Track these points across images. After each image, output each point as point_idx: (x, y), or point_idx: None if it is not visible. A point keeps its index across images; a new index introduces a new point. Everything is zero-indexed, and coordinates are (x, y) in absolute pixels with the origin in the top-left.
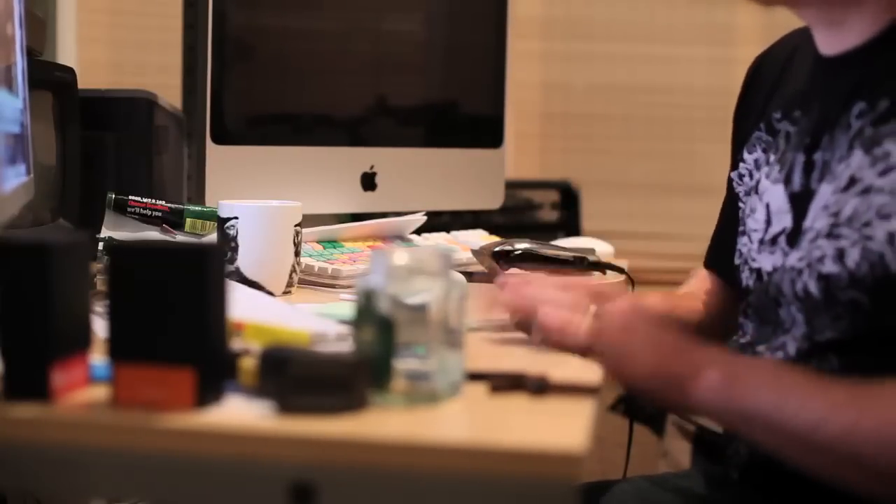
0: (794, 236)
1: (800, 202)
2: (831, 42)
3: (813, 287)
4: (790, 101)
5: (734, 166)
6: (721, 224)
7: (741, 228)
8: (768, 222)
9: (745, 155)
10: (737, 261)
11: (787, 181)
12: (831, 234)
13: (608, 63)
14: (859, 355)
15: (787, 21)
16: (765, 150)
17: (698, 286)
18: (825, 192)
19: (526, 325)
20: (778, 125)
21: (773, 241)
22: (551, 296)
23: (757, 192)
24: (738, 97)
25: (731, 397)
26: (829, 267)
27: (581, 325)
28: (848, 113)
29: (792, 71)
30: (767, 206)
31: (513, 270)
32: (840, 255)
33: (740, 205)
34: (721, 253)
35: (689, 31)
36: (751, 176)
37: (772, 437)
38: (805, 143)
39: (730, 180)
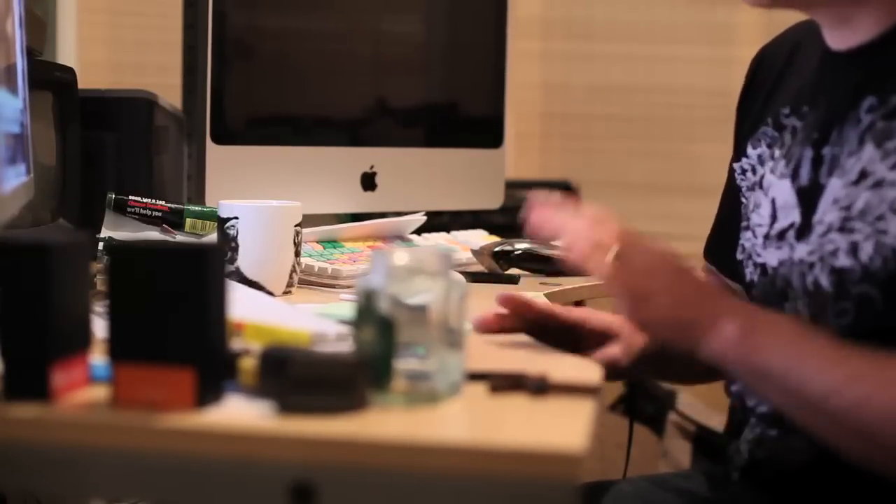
0: (803, 231)
1: (808, 196)
2: (840, 38)
3: (824, 281)
4: (798, 96)
5: (737, 158)
6: (721, 215)
7: (744, 224)
8: (774, 217)
9: (749, 150)
10: (739, 256)
11: (795, 176)
12: (844, 228)
13: (608, 63)
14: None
15: (787, 21)
16: (769, 146)
17: None
18: (835, 186)
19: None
20: (785, 121)
21: (781, 236)
22: (579, 228)
23: (761, 188)
24: (741, 89)
25: (747, 352)
26: (843, 261)
27: (603, 261)
28: (857, 108)
29: (797, 64)
30: (773, 201)
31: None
32: (854, 249)
33: (742, 199)
34: (721, 246)
35: (689, 31)
36: (754, 171)
37: (783, 398)
38: (813, 137)
39: (731, 171)
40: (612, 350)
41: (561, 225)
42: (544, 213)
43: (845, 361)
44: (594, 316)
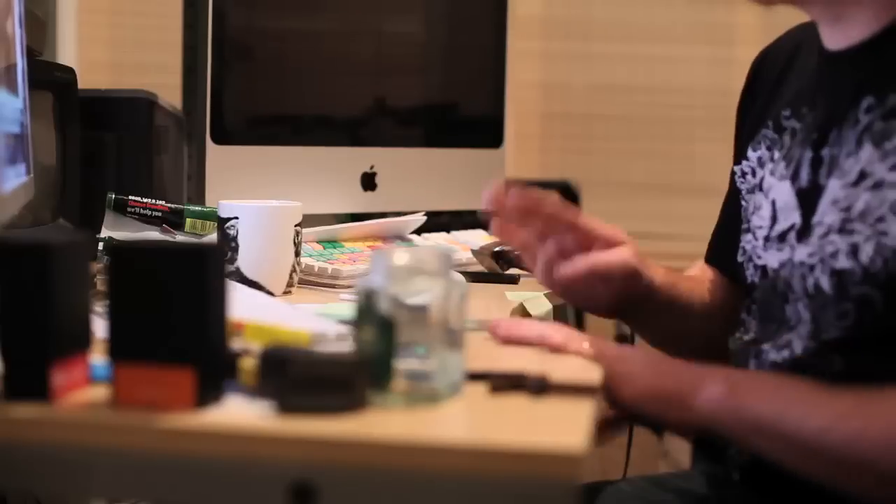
0: (803, 232)
1: (808, 198)
2: (836, 37)
3: (825, 283)
4: (797, 97)
5: (737, 161)
6: (722, 219)
7: (745, 226)
8: (774, 219)
9: (749, 152)
10: (740, 258)
11: (794, 177)
12: (844, 230)
13: (608, 63)
14: (863, 356)
15: (787, 20)
16: (769, 148)
17: (700, 275)
18: (834, 187)
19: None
20: (786, 123)
21: (782, 237)
22: (547, 330)
23: (761, 190)
24: (741, 91)
25: (735, 407)
26: (843, 262)
27: (582, 345)
28: (856, 108)
29: (797, 67)
30: (773, 202)
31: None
32: (854, 251)
33: (742, 202)
34: (722, 249)
35: (689, 31)
36: (754, 174)
37: (777, 446)
38: (812, 138)
39: (733, 174)
40: (623, 251)
41: (527, 334)
42: (508, 331)
43: (834, 400)
44: (602, 226)
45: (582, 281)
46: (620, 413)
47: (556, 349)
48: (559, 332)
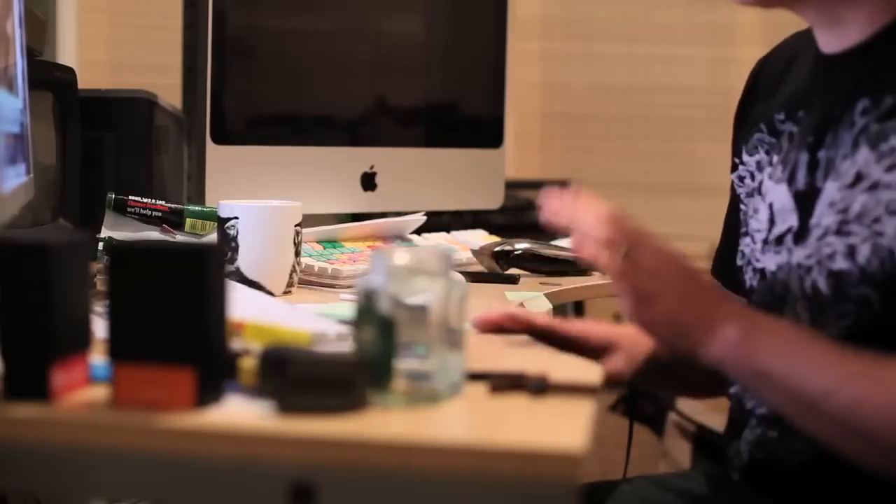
0: (800, 235)
1: (805, 200)
2: (832, 40)
3: (822, 284)
4: (793, 101)
5: (734, 167)
6: (726, 230)
7: (743, 230)
8: (772, 222)
9: (746, 157)
10: (739, 262)
11: (791, 180)
12: (841, 231)
13: (608, 63)
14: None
15: (786, 21)
16: (767, 152)
17: None
18: (831, 190)
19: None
20: (781, 126)
21: (779, 240)
22: (590, 224)
23: (760, 193)
24: (739, 100)
25: (746, 354)
26: (841, 264)
27: (612, 259)
28: (851, 110)
29: (793, 73)
30: (771, 205)
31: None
32: (851, 252)
33: (741, 207)
34: (726, 261)
35: (689, 31)
36: (752, 178)
37: (782, 399)
38: (808, 141)
39: (732, 182)
40: (615, 361)
41: (573, 218)
42: (558, 206)
43: (843, 362)
44: (594, 329)
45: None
46: (621, 410)
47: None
48: (598, 233)
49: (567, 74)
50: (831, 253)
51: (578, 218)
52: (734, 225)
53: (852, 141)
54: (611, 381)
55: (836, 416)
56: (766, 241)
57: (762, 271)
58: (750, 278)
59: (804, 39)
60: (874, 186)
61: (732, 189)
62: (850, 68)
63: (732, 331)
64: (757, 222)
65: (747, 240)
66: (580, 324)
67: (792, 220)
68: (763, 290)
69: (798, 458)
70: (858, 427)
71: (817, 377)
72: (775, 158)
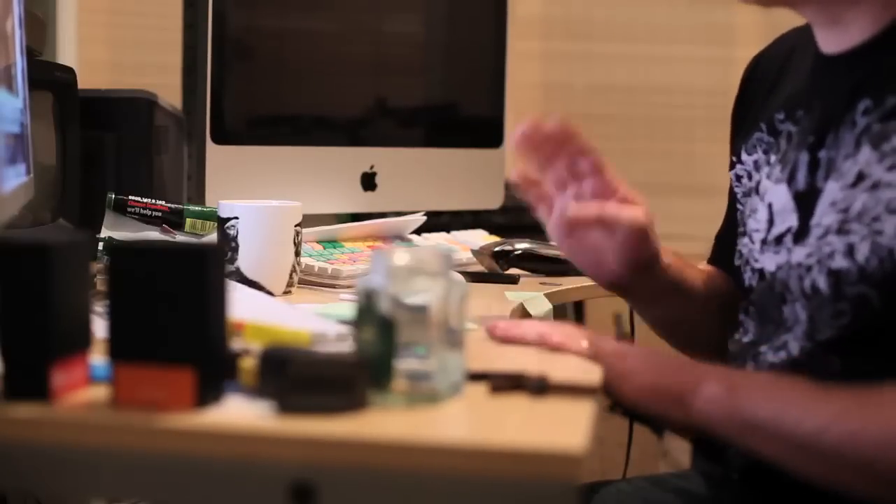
0: (800, 234)
1: (805, 201)
2: (832, 40)
3: (822, 283)
4: (792, 100)
5: (732, 165)
6: (725, 225)
7: (741, 229)
8: (771, 222)
9: (744, 156)
10: (737, 262)
11: (791, 180)
12: (841, 230)
13: (608, 63)
14: (860, 356)
15: (787, 21)
16: (765, 152)
17: (707, 269)
18: (832, 189)
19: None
20: (780, 126)
21: (778, 240)
22: (545, 329)
23: (758, 193)
24: (735, 96)
25: (733, 407)
26: (840, 262)
27: (580, 344)
28: (853, 110)
29: (791, 71)
30: (770, 206)
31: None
32: (850, 251)
33: (739, 206)
34: (724, 255)
35: (689, 31)
36: (749, 177)
37: (775, 446)
38: (809, 141)
39: (731, 179)
40: (636, 210)
41: (518, 340)
42: (500, 333)
43: (831, 399)
44: (623, 183)
45: (589, 238)
46: (621, 411)
47: (556, 348)
48: (558, 331)
49: (567, 74)
50: (831, 252)
51: (530, 330)
52: (732, 219)
53: (854, 141)
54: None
55: (832, 453)
56: (764, 242)
57: (761, 271)
58: (749, 278)
59: (801, 36)
60: (875, 186)
61: (731, 186)
62: (850, 69)
63: (715, 386)
64: (755, 222)
65: (745, 240)
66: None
67: (792, 221)
68: (762, 290)
69: None
70: (856, 460)
71: (807, 417)
72: (773, 158)
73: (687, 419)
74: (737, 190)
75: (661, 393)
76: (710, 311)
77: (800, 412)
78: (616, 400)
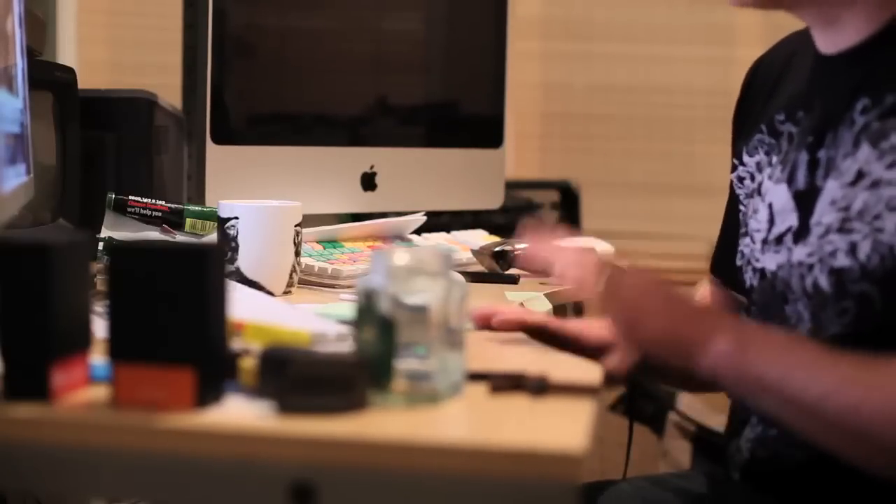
0: (800, 234)
1: (805, 200)
2: (829, 41)
3: (823, 282)
4: (792, 101)
5: (734, 168)
6: (724, 229)
7: (742, 230)
8: (771, 222)
9: (746, 158)
10: (739, 262)
11: (791, 180)
12: (843, 229)
13: (608, 63)
14: (863, 353)
15: (786, 21)
16: (767, 153)
17: (704, 295)
18: (832, 188)
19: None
20: (781, 127)
21: (779, 240)
22: (568, 258)
23: (759, 194)
24: (737, 99)
25: (741, 365)
26: (842, 261)
27: (595, 286)
28: (851, 109)
29: (791, 74)
30: (770, 205)
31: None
32: (852, 249)
33: (741, 207)
34: (726, 258)
35: (689, 31)
36: (752, 178)
37: (780, 407)
38: (808, 141)
39: (731, 182)
40: (611, 360)
41: (550, 257)
42: (533, 248)
43: (837, 366)
44: (589, 329)
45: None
46: (621, 411)
47: (574, 286)
48: (577, 264)
49: (567, 74)
50: (833, 251)
51: (555, 255)
52: (733, 222)
53: (853, 140)
54: (610, 379)
55: (835, 420)
56: (765, 241)
57: (762, 271)
58: (750, 278)
59: (801, 39)
60: (876, 183)
61: (731, 188)
62: (849, 68)
63: (725, 342)
64: (756, 222)
65: (747, 240)
66: (574, 325)
67: (792, 220)
68: (763, 290)
69: (798, 455)
70: (857, 429)
71: (813, 382)
72: (775, 159)
73: (695, 370)
74: (739, 192)
75: (673, 342)
76: None
77: (806, 377)
78: (629, 339)
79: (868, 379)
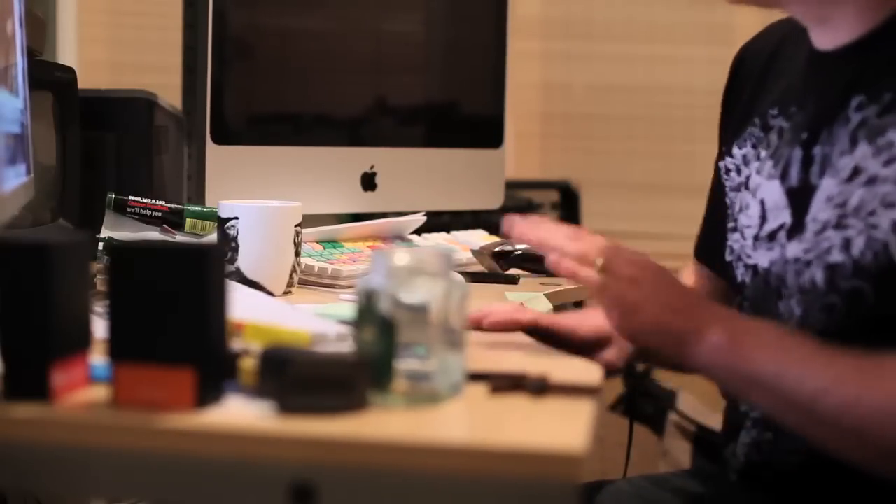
0: (794, 231)
1: (799, 197)
2: (824, 38)
3: (819, 278)
4: (785, 96)
5: (721, 157)
6: (709, 215)
7: (731, 224)
8: (763, 218)
9: (735, 150)
10: (728, 257)
11: (784, 176)
12: (839, 225)
13: (608, 63)
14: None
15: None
16: (755, 146)
17: (689, 280)
18: (828, 185)
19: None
20: (773, 121)
21: (771, 236)
22: (561, 243)
23: (748, 188)
24: (724, 88)
25: (734, 359)
26: (836, 256)
27: (590, 273)
28: (846, 107)
29: (781, 62)
30: (762, 202)
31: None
32: (846, 245)
33: (727, 200)
34: (710, 244)
35: (689, 31)
36: (738, 171)
37: (773, 402)
38: (802, 138)
39: (717, 169)
40: (607, 354)
41: (542, 239)
42: (525, 230)
43: (832, 363)
44: (584, 323)
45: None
46: (621, 410)
47: (568, 275)
48: (571, 251)
49: (567, 74)
50: (829, 247)
51: (547, 238)
52: (717, 209)
53: (849, 136)
54: (607, 371)
55: (829, 418)
56: (756, 238)
57: (754, 267)
58: (741, 274)
59: (789, 27)
60: (871, 180)
61: (716, 175)
62: (843, 65)
63: (719, 335)
64: (747, 218)
65: (736, 235)
66: (568, 319)
67: (785, 217)
68: (756, 286)
69: (794, 459)
70: (852, 427)
71: (808, 379)
72: (763, 153)
73: (687, 362)
74: (726, 183)
75: (666, 332)
76: None
77: (801, 373)
78: (622, 328)
79: (863, 377)
